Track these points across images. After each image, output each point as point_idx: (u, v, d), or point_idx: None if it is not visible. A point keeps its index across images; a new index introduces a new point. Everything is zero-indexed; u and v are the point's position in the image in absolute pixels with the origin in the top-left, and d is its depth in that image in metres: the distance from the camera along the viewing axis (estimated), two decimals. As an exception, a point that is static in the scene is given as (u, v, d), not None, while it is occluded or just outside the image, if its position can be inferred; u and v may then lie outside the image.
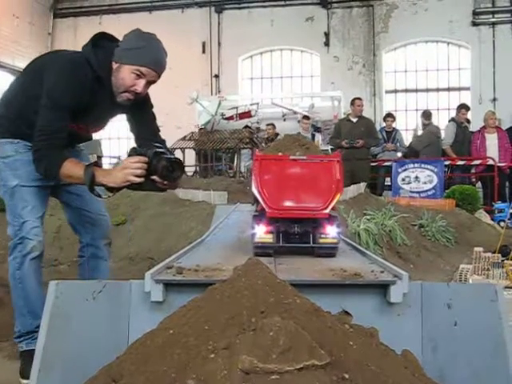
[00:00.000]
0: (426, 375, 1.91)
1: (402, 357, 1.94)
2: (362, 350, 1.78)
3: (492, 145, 12.12)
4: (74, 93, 3.22)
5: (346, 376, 1.62)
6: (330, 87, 16.74)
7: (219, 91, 17.80)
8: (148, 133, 3.65)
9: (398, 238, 7.17)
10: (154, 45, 3.38)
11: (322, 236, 3.22)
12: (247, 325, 1.76)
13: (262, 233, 3.21)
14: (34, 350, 2.22)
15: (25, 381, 3.25)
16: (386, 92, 17.52)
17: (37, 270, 3.48)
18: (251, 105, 15.67)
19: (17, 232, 3.43)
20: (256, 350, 1.56)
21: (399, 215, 7.74)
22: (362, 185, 9.31)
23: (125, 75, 3.28)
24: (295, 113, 15.17)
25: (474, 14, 16.32)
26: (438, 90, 17.32)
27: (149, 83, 3.37)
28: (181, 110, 16.09)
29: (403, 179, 11.73)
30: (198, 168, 13.64)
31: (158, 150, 3.20)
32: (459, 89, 17.16)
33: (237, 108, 15.62)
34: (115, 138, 18.70)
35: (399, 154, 12.95)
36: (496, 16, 16.34)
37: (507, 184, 12.24)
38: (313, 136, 13.26)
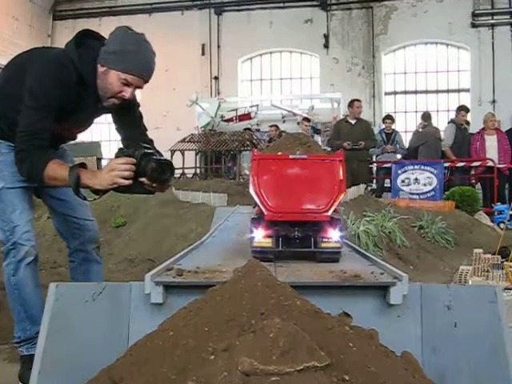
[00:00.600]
0: (425, 376, 1.91)
1: (401, 358, 1.94)
2: (361, 352, 1.78)
3: (491, 146, 12.15)
4: (57, 93, 3.11)
5: (346, 377, 1.62)
6: (330, 89, 16.76)
7: (219, 93, 17.81)
8: (135, 133, 3.55)
9: (397, 240, 7.18)
10: (144, 50, 3.23)
11: (324, 240, 3.05)
12: (247, 326, 1.76)
13: (260, 237, 3.07)
14: (33, 354, 2.22)
15: None
16: (386, 94, 17.53)
17: (33, 274, 3.39)
18: (251, 107, 15.71)
19: (8, 237, 3.33)
20: (256, 352, 1.56)
21: (399, 217, 7.75)
22: (362, 186, 9.33)
23: (112, 81, 3.17)
24: (295, 114, 15.22)
25: (474, 15, 16.34)
26: (437, 91, 17.33)
27: (137, 88, 3.27)
28: (180, 111, 16.13)
29: (403, 181, 11.75)
30: (197, 170, 13.64)
31: (146, 150, 3.10)
32: (458, 90, 17.17)
33: (236, 110, 15.66)
34: (115, 140, 18.69)
35: (399, 156, 12.97)
36: (495, 18, 16.36)
37: (507, 185, 12.26)
38: (312, 138, 13.25)
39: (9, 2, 16.71)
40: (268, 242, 3.07)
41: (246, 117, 15.39)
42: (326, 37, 17.35)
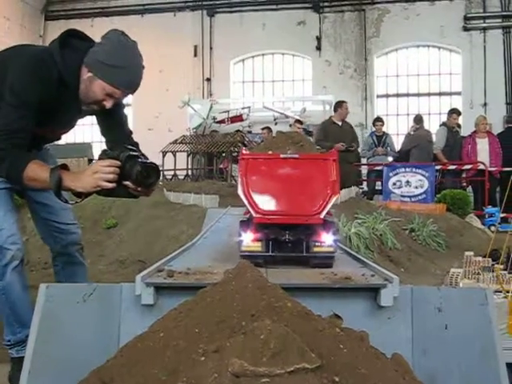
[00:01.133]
0: (416, 378, 1.92)
1: (392, 360, 1.94)
2: (352, 354, 1.78)
3: (483, 149, 12.18)
4: (37, 87, 2.99)
5: (337, 379, 1.62)
6: (322, 91, 16.77)
7: (211, 94, 17.79)
8: (120, 135, 3.45)
9: (388, 242, 7.19)
10: (134, 65, 3.12)
11: (317, 244, 2.91)
12: (238, 328, 1.77)
13: (249, 241, 2.92)
14: (23, 357, 2.20)
15: None
16: (378, 96, 17.54)
17: (20, 277, 3.32)
18: (243, 108, 15.70)
19: None
20: (246, 353, 1.56)
21: (390, 219, 7.76)
22: (353, 188, 9.34)
23: (97, 90, 3.06)
24: (287, 117, 15.22)
25: (466, 18, 16.38)
26: (429, 94, 17.36)
27: (118, 99, 3.18)
28: (172, 113, 16.12)
29: (394, 183, 11.74)
30: (189, 172, 13.64)
31: (131, 153, 2.99)
32: (450, 93, 17.21)
33: (228, 112, 15.65)
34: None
35: (390, 159, 13.00)
36: (487, 21, 16.40)
37: (498, 189, 12.28)
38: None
39: (0, 1, 16.62)
40: (257, 246, 2.93)
41: (238, 118, 15.38)
42: (319, 39, 17.35)
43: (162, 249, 6.46)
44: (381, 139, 13.00)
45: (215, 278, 2.39)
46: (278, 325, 1.66)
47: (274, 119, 15.40)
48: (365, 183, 13.52)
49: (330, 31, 17.43)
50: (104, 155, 3.01)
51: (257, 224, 2.92)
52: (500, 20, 16.40)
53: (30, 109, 3.01)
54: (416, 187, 11.56)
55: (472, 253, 5.36)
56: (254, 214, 2.90)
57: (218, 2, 18.26)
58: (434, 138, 13.02)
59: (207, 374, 1.56)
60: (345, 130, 11.57)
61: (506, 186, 5.44)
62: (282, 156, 3.01)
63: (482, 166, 11.86)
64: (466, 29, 16.43)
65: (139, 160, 2.98)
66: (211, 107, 15.43)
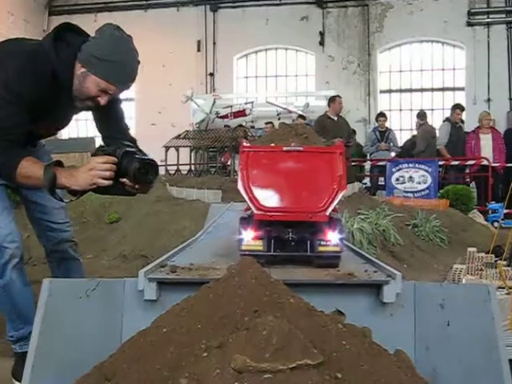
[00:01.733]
0: (418, 375, 1.91)
1: (394, 356, 1.94)
2: (354, 350, 1.78)
3: (486, 145, 12.18)
4: (31, 86, 2.90)
5: (339, 375, 1.62)
6: (325, 86, 16.77)
7: (214, 90, 17.77)
8: (116, 131, 3.34)
9: (391, 238, 7.19)
10: (129, 60, 3.03)
11: (322, 243, 2.70)
12: (240, 324, 1.76)
13: (249, 239, 2.73)
14: (27, 352, 2.20)
15: (17, 383, 3.22)
16: (381, 92, 17.51)
17: (20, 275, 3.28)
18: (246, 103, 15.72)
19: None
20: (249, 349, 1.56)
21: (393, 215, 7.76)
22: (356, 184, 9.34)
23: (90, 85, 2.98)
24: (290, 112, 15.23)
25: (469, 14, 16.35)
26: (432, 89, 17.33)
27: (113, 95, 3.09)
28: (175, 108, 16.09)
29: (397, 179, 11.76)
30: (192, 167, 13.66)
31: (128, 149, 2.92)
32: (454, 89, 17.17)
33: (231, 107, 15.66)
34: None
35: (393, 154, 13.00)
36: (491, 16, 16.37)
37: (501, 185, 12.27)
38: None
39: (4, -4, 16.64)
40: (258, 245, 2.74)
41: (241, 113, 15.40)
42: (322, 34, 17.33)
43: (164, 244, 6.46)
44: (384, 135, 12.99)
45: (218, 274, 2.38)
46: (280, 321, 1.66)
47: (277, 114, 15.40)
48: (368, 179, 13.52)
49: (334, 26, 17.40)
50: (100, 151, 2.96)
51: (258, 221, 2.73)
52: (504, 15, 16.35)
53: (24, 105, 2.93)
54: (419, 183, 11.58)
55: (475, 249, 5.36)
56: (254, 211, 2.72)
57: (221, -3, 18.28)
58: (437, 134, 13.01)
59: (210, 370, 1.56)
60: (340, 124, 11.57)
61: (510, 181, 5.44)
62: (284, 149, 2.80)
63: (485, 162, 11.86)
64: (469, 24, 16.39)
65: (137, 156, 2.91)
66: (214, 102, 15.45)
